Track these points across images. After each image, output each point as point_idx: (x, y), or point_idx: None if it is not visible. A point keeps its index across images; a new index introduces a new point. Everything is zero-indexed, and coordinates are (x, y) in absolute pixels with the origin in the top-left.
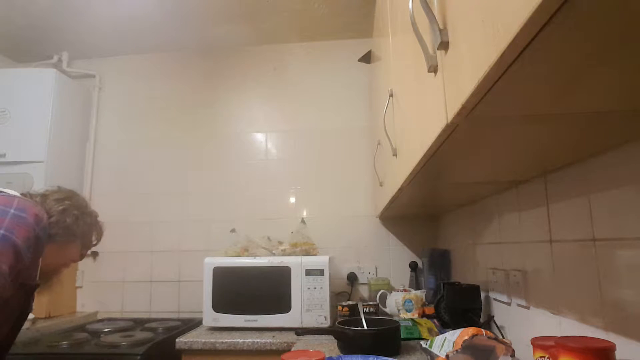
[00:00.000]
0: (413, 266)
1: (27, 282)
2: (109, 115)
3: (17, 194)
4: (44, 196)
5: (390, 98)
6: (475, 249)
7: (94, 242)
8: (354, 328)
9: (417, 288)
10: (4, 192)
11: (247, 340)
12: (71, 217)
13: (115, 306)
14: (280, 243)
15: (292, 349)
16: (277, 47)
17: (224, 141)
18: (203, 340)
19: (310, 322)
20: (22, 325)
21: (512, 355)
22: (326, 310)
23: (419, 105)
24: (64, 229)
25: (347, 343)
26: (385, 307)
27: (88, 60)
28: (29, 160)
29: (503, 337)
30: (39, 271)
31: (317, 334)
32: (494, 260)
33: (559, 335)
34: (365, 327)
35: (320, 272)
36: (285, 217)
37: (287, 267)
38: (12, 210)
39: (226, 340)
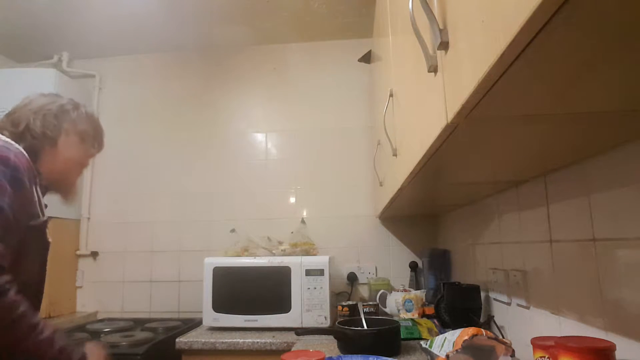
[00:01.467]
0: (413, 266)
1: (33, 223)
2: (109, 115)
3: None
4: (3, 121)
5: (390, 98)
6: (475, 249)
7: (89, 130)
8: (354, 328)
9: (417, 288)
10: None
11: (247, 340)
12: (33, 122)
13: (115, 306)
14: (280, 243)
15: (292, 349)
16: (277, 47)
17: (224, 141)
18: (203, 340)
19: (310, 322)
20: (46, 259)
21: (512, 355)
22: (326, 310)
23: (419, 105)
24: (33, 136)
25: (347, 343)
26: (385, 307)
27: (88, 60)
28: None
29: (503, 337)
30: (40, 206)
31: (317, 334)
32: (494, 260)
33: (559, 335)
34: (365, 327)
35: (320, 272)
36: (285, 217)
37: (287, 267)
38: None
39: (226, 340)
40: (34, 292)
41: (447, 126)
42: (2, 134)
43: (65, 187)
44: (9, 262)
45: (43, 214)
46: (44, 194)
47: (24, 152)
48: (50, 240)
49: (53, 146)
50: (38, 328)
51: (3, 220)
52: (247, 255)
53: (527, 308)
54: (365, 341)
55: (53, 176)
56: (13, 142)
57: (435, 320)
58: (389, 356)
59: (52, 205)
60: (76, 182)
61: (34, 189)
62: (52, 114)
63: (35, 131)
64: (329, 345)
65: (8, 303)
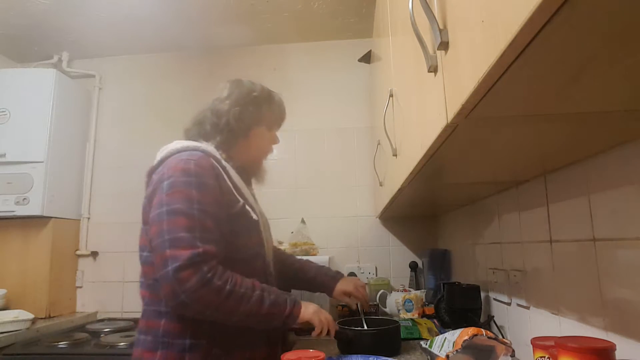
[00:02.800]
0: (413, 266)
1: (233, 211)
2: (109, 115)
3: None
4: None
5: (390, 98)
6: (475, 249)
7: (277, 120)
8: (354, 328)
9: (417, 288)
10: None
11: None
12: (228, 116)
13: (115, 306)
14: (280, 243)
15: (292, 349)
16: (277, 47)
17: None
18: None
19: None
20: (259, 231)
21: (512, 355)
22: (326, 310)
23: (419, 105)
24: (230, 129)
25: (347, 343)
26: (385, 307)
27: (88, 60)
28: (29, 160)
29: (503, 337)
30: (237, 191)
31: None
32: (494, 260)
33: (559, 335)
34: (365, 327)
35: None
36: (285, 217)
37: None
38: (164, 182)
39: None
40: (259, 259)
41: (447, 126)
42: (205, 127)
43: (255, 171)
44: (218, 251)
45: (243, 198)
46: (243, 177)
47: (209, 152)
48: (256, 218)
49: (245, 138)
50: (245, 297)
51: (197, 222)
52: None
53: (527, 308)
54: (365, 341)
55: (244, 163)
56: (198, 148)
57: (435, 320)
58: (389, 356)
59: (53, 205)
60: (262, 165)
61: (224, 181)
62: (249, 109)
63: (232, 125)
64: (328, 345)
65: (214, 289)
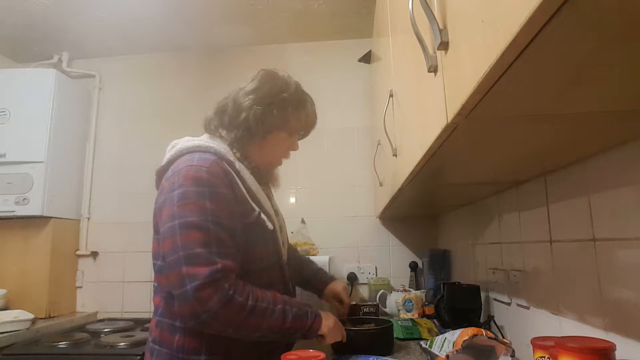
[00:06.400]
0: (413, 266)
1: (248, 221)
2: (109, 115)
3: (190, 146)
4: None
5: (390, 98)
6: (475, 249)
7: (301, 127)
8: (350, 328)
9: (417, 288)
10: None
11: None
12: (252, 115)
13: (115, 306)
14: None
15: (292, 349)
16: (277, 47)
17: None
18: None
19: None
20: (276, 240)
21: (512, 355)
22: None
23: (419, 105)
24: (247, 127)
25: (339, 342)
26: (385, 307)
27: (88, 60)
28: (29, 160)
29: (503, 337)
30: (251, 197)
31: None
32: (494, 260)
33: (559, 335)
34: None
35: None
36: (285, 217)
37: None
38: (175, 192)
39: None
40: (276, 268)
41: (447, 126)
42: (224, 118)
43: (268, 175)
44: (236, 265)
45: (258, 205)
46: (258, 178)
47: (222, 154)
48: (272, 227)
49: (262, 140)
50: (268, 312)
51: (213, 236)
52: None
53: (527, 308)
54: (358, 341)
55: (259, 164)
56: (209, 149)
57: (435, 320)
58: (384, 356)
59: (53, 205)
60: (275, 170)
61: (238, 188)
62: (273, 111)
63: (250, 124)
64: (328, 345)
65: (236, 307)
